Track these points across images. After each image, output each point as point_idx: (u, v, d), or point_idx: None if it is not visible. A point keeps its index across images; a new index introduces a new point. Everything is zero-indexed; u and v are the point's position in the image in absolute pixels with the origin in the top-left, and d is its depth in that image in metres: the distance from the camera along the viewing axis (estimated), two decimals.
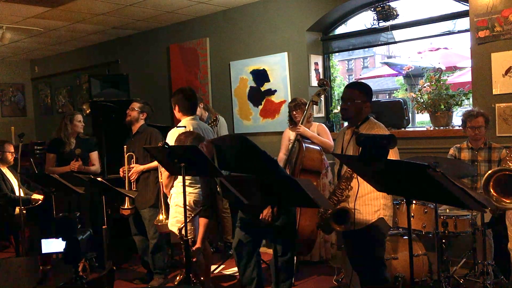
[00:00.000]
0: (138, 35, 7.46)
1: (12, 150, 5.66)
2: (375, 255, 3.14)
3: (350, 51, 6.97)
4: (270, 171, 3.41)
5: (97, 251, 3.64)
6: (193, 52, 6.71)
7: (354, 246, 3.20)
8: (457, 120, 4.92)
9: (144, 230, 4.63)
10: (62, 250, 2.49)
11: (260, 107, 6.03)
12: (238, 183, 2.78)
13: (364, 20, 5.39)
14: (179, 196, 3.71)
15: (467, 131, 4.09)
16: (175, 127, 3.98)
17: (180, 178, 3.57)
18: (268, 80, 5.92)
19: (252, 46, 6.06)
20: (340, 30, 5.78)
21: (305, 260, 4.96)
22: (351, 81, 10.42)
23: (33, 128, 9.92)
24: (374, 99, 4.69)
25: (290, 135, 4.77)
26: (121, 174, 4.60)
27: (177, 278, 4.26)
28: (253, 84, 6.08)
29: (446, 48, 8.34)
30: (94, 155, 5.21)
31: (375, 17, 5.05)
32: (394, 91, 11.29)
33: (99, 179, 4.01)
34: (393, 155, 2.94)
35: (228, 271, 5.05)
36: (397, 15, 4.97)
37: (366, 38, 5.46)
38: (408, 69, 5.74)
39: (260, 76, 5.98)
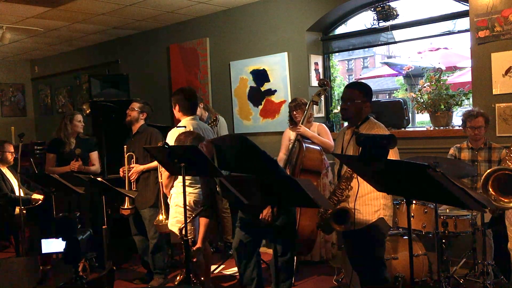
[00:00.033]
0: (138, 35, 7.46)
1: (12, 150, 5.66)
2: (375, 255, 3.14)
3: (350, 51, 6.97)
4: (270, 171, 3.41)
5: (97, 251, 3.65)
6: (193, 52, 6.71)
7: (354, 246, 3.20)
8: (457, 120, 4.92)
9: (144, 230, 4.63)
10: (62, 250, 2.49)
11: (260, 107, 6.04)
12: (238, 183, 2.78)
13: (364, 20, 5.39)
14: (179, 196, 3.71)
15: (467, 131, 4.09)
16: (175, 127, 3.98)
17: (180, 178, 3.57)
18: (268, 80, 5.92)
19: (252, 46, 6.06)
20: (340, 30, 5.78)
21: (305, 260, 4.96)
22: (351, 81, 10.42)
23: (33, 128, 9.92)
24: (374, 99, 4.69)
25: (291, 135, 4.77)
26: (121, 174, 4.60)
27: (177, 278, 4.26)
28: (253, 84, 6.08)
29: (446, 48, 8.34)
30: (94, 155, 5.21)
31: (375, 17, 5.05)
32: (394, 91, 11.30)
33: (99, 179, 4.01)
34: (393, 155, 2.94)
35: (228, 271, 5.05)
36: (397, 15, 4.97)
37: (366, 38, 5.46)
38: (408, 69, 5.74)
39: (260, 76, 5.98)
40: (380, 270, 3.17)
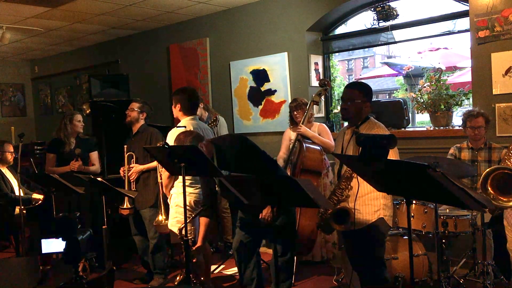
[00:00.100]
0: (138, 35, 7.46)
1: (12, 150, 5.66)
2: (375, 255, 3.14)
3: (350, 51, 6.97)
4: (270, 171, 3.41)
5: (97, 251, 3.64)
6: (193, 52, 6.71)
7: (354, 246, 3.20)
8: (457, 120, 4.92)
9: (144, 230, 4.63)
10: (62, 250, 2.49)
11: (260, 107, 6.03)
12: (238, 183, 2.78)
13: (364, 20, 5.39)
14: (179, 196, 3.71)
15: (467, 131, 4.09)
16: (175, 127, 3.98)
17: (180, 178, 3.57)
18: (268, 80, 5.92)
19: (252, 46, 6.06)
20: (340, 30, 5.78)
21: (306, 260, 4.96)
22: (351, 81, 10.42)
23: (33, 128, 9.92)
24: (374, 99, 4.69)
25: (291, 135, 4.77)
26: (122, 174, 4.60)
27: (177, 278, 4.27)
28: (253, 84, 6.08)
29: (446, 48, 8.34)
30: (94, 155, 5.21)
31: (375, 17, 5.05)
32: (394, 91, 11.30)
33: (99, 179, 4.01)
34: (393, 155, 2.94)
35: (228, 271, 5.05)
36: (397, 15, 4.97)
37: (366, 38, 5.46)
38: (408, 69, 5.74)
39: (260, 76, 5.98)
40: (380, 270, 3.17)
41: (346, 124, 3.49)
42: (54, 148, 5.11)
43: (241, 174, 3.22)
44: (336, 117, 5.69)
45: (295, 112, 4.70)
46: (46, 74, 9.54)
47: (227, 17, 6.31)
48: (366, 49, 7.44)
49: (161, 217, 4.26)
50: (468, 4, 4.44)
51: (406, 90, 7.88)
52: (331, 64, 5.87)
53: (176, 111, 4.09)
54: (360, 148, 2.39)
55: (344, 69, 18.52)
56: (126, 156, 4.55)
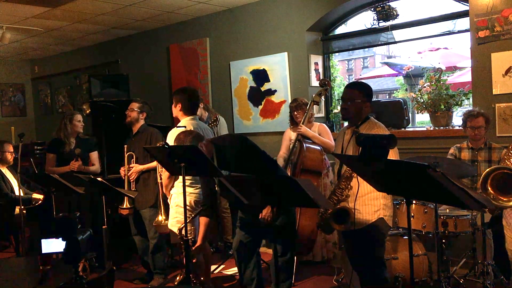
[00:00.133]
0: (138, 35, 7.46)
1: (12, 150, 5.66)
2: (375, 255, 3.14)
3: (350, 51, 6.97)
4: (270, 171, 3.41)
5: (97, 251, 3.64)
6: (193, 52, 6.71)
7: (354, 246, 3.20)
8: (457, 120, 4.92)
9: (144, 230, 4.63)
10: (62, 250, 2.49)
11: (260, 107, 6.03)
12: (238, 183, 2.78)
13: (364, 20, 5.39)
14: (179, 196, 3.71)
15: (467, 131, 4.09)
16: (175, 127, 3.98)
17: (180, 178, 3.57)
18: (268, 80, 5.92)
19: (252, 46, 6.06)
20: (340, 30, 5.78)
21: (307, 260, 4.96)
22: (351, 81, 10.42)
23: (33, 128, 9.92)
24: (374, 99, 4.69)
25: (291, 135, 4.78)
26: (122, 174, 4.60)
27: (177, 278, 4.26)
28: (253, 84, 6.08)
29: (446, 48, 8.34)
30: (94, 155, 5.21)
31: (375, 17, 5.05)
32: (394, 91, 11.30)
33: (99, 179, 4.01)
34: (393, 155, 2.94)
35: (228, 271, 5.05)
36: (397, 15, 4.96)
37: (366, 38, 5.46)
38: (408, 69, 5.74)
39: (260, 76, 5.98)
40: (380, 270, 3.17)
41: (346, 124, 3.49)
42: (54, 148, 5.11)
43: (241, 174, 3.22)
44: (336, 117, 5.69)
45: (295, 112, 4.70)
46: (46, 74, 9.55)
47: (227, 17, 6.31)
48: (366, 49, 7.44)
49: (161, 217, 4.26)
50: (468, 4, 4.44)
51: (406, 90, 7.88)
52: (331, 64, 5.87)
53: (177, 110, 4.08)
54: (360, 148, 2.39)
55: (344, 69, 18.53)
56: (126, 156, 4.55)
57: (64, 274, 2.79)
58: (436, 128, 4.82)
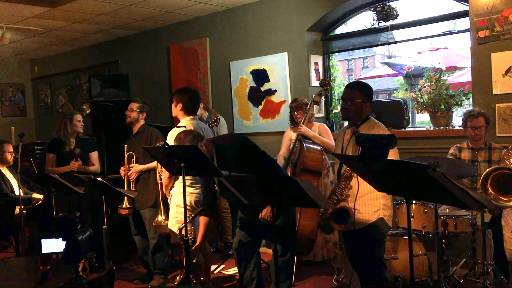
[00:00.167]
0: (138, 35, 7.46)
1: (11, 150, 5.66)
2: (375, 255, 3.14)
3: (350, 51, 6.97)
4: (270, 171, 3.41)
5: (97, 251, 3.64)
6: (193, 52, 6.71)
7: (354, 246, 3.20)
8: (457, 120, 4.92)
9: (144, 230, 4.63)
10: (62, 250, 2.49)
11: (260, 107, 6.03)
12: (238, 183, 2.78)
13: (364, 20, 5.39)
14: (179, 196, 3.71)
15: (467, 131, 4.09)
16: (175, 127, 3.98)
17: (181, 178, 3.57)
18: (268, 80, 5.92)
19: (252, 46, 6.06)
20: (340, 30, 5.78)
21: (307, 260, 4.95)
22: (351, 81, 10.42)
23: (33, 128, 9.92)
24: (374, 99, 4.69)
25: (291, 135, 4.78)
26: (122, 173, 4.60)
27: (177, 278, 4.26)
28: (253, 84, 6.08)
29: (446, 48, 8.33)
30: (94, 155, 5.21)
31: (375, 17, 5.05)
32: (394, 91, 11.30)
33: (99, 179, 4.01)
34: (393, 155, 2.94)
35: (228, 271, 5.05)
36: (397, 15, 4.96)
37: (366, 38, 5.46)
38: (408, 69, 5.74)
39: (260, 76, 5.98)
40: (380, 270, 3.17)
41: (346, 124, 3.49)
42: (54, 148, 5.11)
43: (241, 174, 3.22)
44: (336, 117, 5.69)
45: (295, 113, 4.70)
46: (46, 74, 9.54)
47: (227, 17, 6.31)
48: (366, 49, 7.44)
49: (160, 218, 4.26)
50: (468, 4, 4.44)
51: (406, 90, 7.87)
52: (331, 64, 5.87)
53: (177, 110, 4.08)
54: (360, 148, 2.39)
55: (344, 69, 18.52)
56: (126, 156, 4.55)
57: (64, 274, 2.79)
58: (436, 128, 4.81)
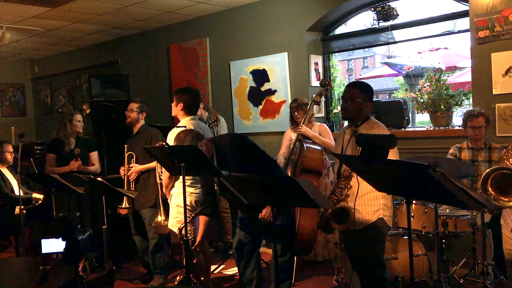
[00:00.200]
0: (138, 35, 7.46)
1: (11, 150, 5.65)
2: (375, 255, 3.14)
3: (350, 51, 6.97)
4: (270, 171, 3.41)
5: (97, 251, 3.65)
6: (193, 52, 6.71)
7: (354, 246, 3.20)
8: (457, 120, 4.92)
9: (144, 230, 4.63)
10: (62, 250, 2.49)
11: (260, 107, 6.03)
12: (238, 182, 2.78)
13: (364, 20, 5.39)
14: (180, 196, 3.71)
15: (467, 131, 4.08)
16: (175, 127, 3.98)
17: (181, 178, 3.56)
18: (268, 80, 5.92)
19: (252, 46, 6.06)
20: (340, 30, 5.78)
21: (308, 260, 4.95)
22: (351, 81, 10.42)
23: (33, 128, 9.92)
24: (374, 99, 4.69)
25: (292, 135, 4.78)
26: (121, 173, 4.60)
27: (177, 278, 4.26)
28: (253, 84, 6.08)
29: (446, 48, 8.34)
30: (94, 155, 5.21)
31: (375, 17, 5.05)
32: (394, 91, 11.30)
33: (99, 179, 4.01)
34: (393, 155, 2.94)
35: (228, 271, 5.05)
36: (397, 15, 4.97)
37: (366, 38, 5.46)
38: (408, 69, 5.74)
39: (260, 76, 5.98)
40: (380, 270, 3.17)
41: (346, 124, 3.49)
42: (54, 148, 5.11)
43: (241, 174, 3.21)
44: (336, 117, 5.69)
45: (295, 113, 4.70)
46: (46, 74, 9.54)
47: (227, 17, 6.31)
48: (366, 49, 7.44)
49: (160, 218, 4.26)
50: (468, 4, 4.44)
51: (406, 90, 7.88)
52: (331, 64, 5.87)
53: (177, 109, 4.08)
54: (360, 148, 2.39)
55: (344, 69, 18.51)
56: (126, 155, 4.54)
57: (64, 274, 2.79)
58: (436, 128, 4.82)
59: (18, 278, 3.21)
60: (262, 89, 5.98)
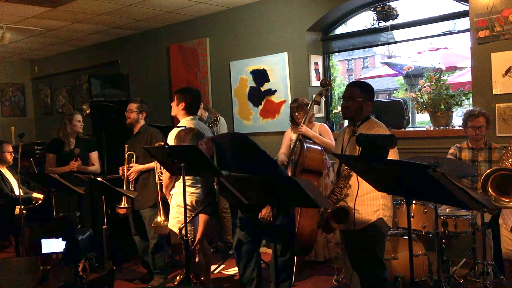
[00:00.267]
0: (138, 35, 7.46)
1: (11, 150, 5.65)
2: (375, 255, 3.14)
3: (350, 51, 6.97)
4: (270, 171, 3.41)
5: (97, 251, 3.65)
6: (193, 52, 6.71)
7: (354, 246, 3.20)
8: (457, 120, 4.92)
9: (144, 230, 4.62)
10: (62, 250, 2.49)
11: (260, 107, 6.03)
12: (238, 182, 2.78)
13: (364, 20, 5.39)
14: (180, 196, 3.71)
15: (468, 131, 4.08)
16: (176, 128, 3.98)
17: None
18: (268, 80, 5.92)
19: (252, 46, 6.06)
20: (340, 30, 5.78)
21: (310, 260, 4.95)
22: (351, 81, 10.41)
23: (33, 128, 9.91)
24: (374, 99, 4.69)
25: (292, 135, 4.78)
26: (120, 173, 4.60)
27: (177, 278, 4.26)
28: (253, 84, 6.08)
29: (446, 48, 8.33)
30: (94, 155, 5.22)
31: (375, 17, 5.05)
32: (394, 91, 11.31)
33: (99, 179, 4.01)
34: (393, 155, 2.94)
35: (228, 271, 5.05)
36: (397, 15, 4.97)
37: (366, 38, 5.46)
38: (408, 69, 5.74)
39: (260, 76, 5.98)
40: (380, 270, 3.17)
41: (346, 124, 3.49)
42: (54, 148, 5.12)
43: (241, 173, 3.21)
44: (336, 117, 5.69)
45: (296, 113, 4.70)
46: (46, 74, 9.54)
47: (227, 17, 6.31)
48: (366, 49, 7.44)
49: (159, 218, 4.26)
50: (468, 4, 4.44)
51: (406, 90, 7.88)
52: (331, 64, 5.87)
53: (178, 109, 4.07)
54: (360, 148, 2.39)
55: (344, 69, 18.50)
56: (126, 155, 4.54)
57: (64, 274, 2.79)
58: (436, 128, 4.81)
59: (18, 278, 3.21)
60: (262, 89, 5.98)
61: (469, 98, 4.76)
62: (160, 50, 7.18)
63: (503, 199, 3.13)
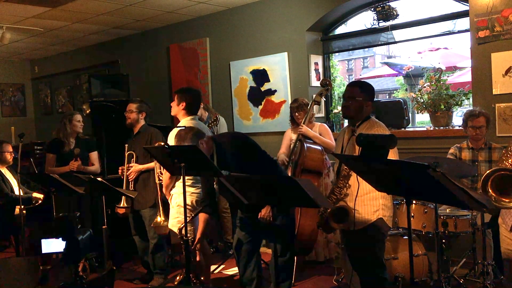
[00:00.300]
0: (138, 35, 7.46)
1: (11, 150, 5.65)
2: (375, 255, 3.14)
3: (350, 51, 6.97)
4: (269, 171, 3.41)
5: (97, 251, 3.65)
6: (193, 52, 6.71)
7: (354, 246, 3.20)
8: (457, 120, 4.92)
9: (144, 230, 4.62)
10: (62, 250, 2.49)
11: (260, 107, 6.03)
12: (238, 182, 2.78)
13: (364, 20, 5.39)
14: (180, 196, 3.71)
15: (468, 131, 4.08)
16: (176, 128, 3.98)
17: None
18: (268, 80, 5.92)
19: (252, 46, 6.06)
20: (340, 30, 5.78)
21: (310, 260, 4.95)
22: (351, 81, 10.41)
23: (33, 128, 9.91)
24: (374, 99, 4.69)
25: (292, 135, 4.78)
26: (120, 172, 4.60)
27: (177, 278, 4.26)
28: (253, 84, 6.08)
29: (446, 48, 8.34)
30: (94, 155, 5.21)
31: (375, 17, 5.05)
32: (394, 91, 11.31)
33: (99, 179, 4.01)
34: (393, 155, 2.93)
35: (228, 271, 5.05)
36: (397, 15, 4.97)
37: (366, 38, 5.46)
38: (408, 69, 5.74)
39: (260, 76, 5.98)
40: (380, 270, 3.17)
41: (346, 124, 3.49)
42: (53, 148, 5.12)
43: (241, 173, 3.21)
44: (336, 117, 5.69)
45: (296, 113, 4.70)
46: (46, 74, 9.54)
47: (227, 17, 6.31)
48: (366, 49, 7.44)
49: (159, 218, 4.26)
50: (468, 4, 4.44)
51: (406, 90, 7.88)
52: (331, 64, 5.87)
53: (178, 109, 4.07)
54: (360, 148, 2.39)
55: (344, 69, 18.50)
56: (126, 155, 4.54)
57: (64, 274, 2.79)
58: (436, 128, 4.81)
59: (18, 278, 3.21)
60: (262, 89, 5.98)
61: (469, 98, 4.76)
62: (160, 50, 7.18)
63: (503, 199, 3.13)
